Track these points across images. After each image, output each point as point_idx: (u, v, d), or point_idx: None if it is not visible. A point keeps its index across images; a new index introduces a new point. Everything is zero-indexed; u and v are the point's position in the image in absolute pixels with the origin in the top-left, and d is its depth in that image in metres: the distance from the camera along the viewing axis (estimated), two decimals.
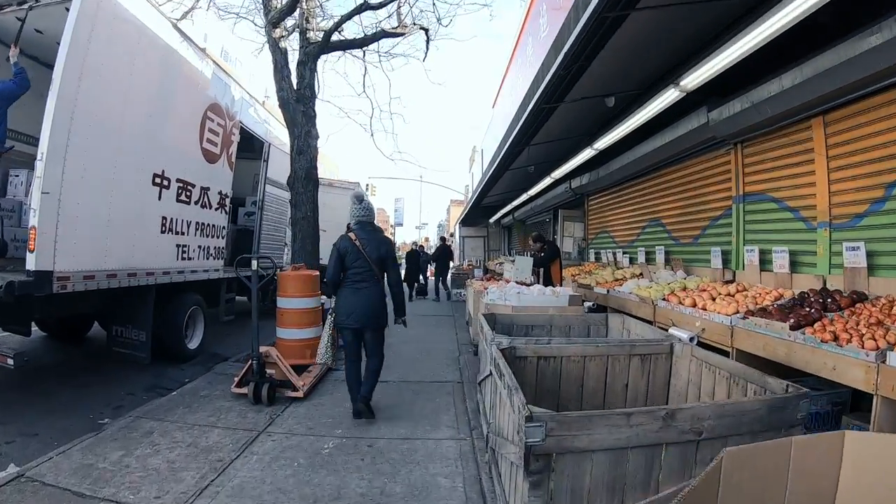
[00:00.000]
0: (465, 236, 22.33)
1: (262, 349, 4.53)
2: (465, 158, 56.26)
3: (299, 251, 6.27)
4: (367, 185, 34.70)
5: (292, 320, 5.39)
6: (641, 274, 6.85)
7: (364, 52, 8.85)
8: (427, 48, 8.38)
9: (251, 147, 8.89)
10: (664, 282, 5.80)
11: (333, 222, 14.11)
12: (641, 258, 7.37)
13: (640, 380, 3.37)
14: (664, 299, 5.08)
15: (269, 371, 4.63)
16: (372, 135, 10.21)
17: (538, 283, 6.48)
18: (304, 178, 6.27)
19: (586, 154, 7.43)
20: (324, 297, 7.26)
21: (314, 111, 6.46)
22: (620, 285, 6.31)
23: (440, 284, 15.51)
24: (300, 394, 4.54)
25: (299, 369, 5.28)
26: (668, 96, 5.23)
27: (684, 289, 5.24)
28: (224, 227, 7.29)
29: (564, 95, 5.46)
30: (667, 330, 4.48)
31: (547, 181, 9.76)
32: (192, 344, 6.78)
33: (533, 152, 8.73)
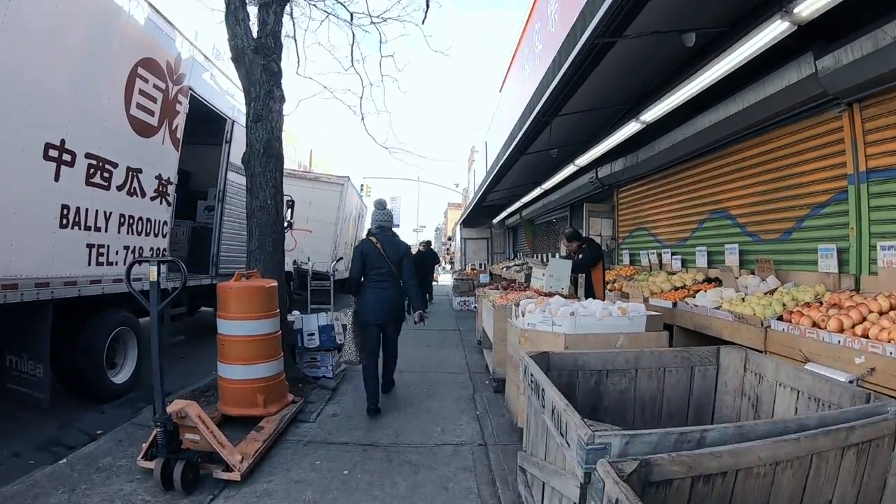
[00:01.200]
0: (467, 238, 20.66)
1: (177, 406, 2.89)
2: (464, 160, 54.63)
3: (256, 252, 4.63)
4: (363, 185, 33.00)
5: (238, 353, 3.73)
6: (710, 280, 5.26)
7: (352, 15, 7.27)
8: (427, 5, 6.78)
9: (217, 129, 7.28)
10: (759, 292, 4.21)
11: (321, 221, 12.40)
12: (701, 260, 5.78)
13: (850, 488, 1.77)
14: (780, 318, 3.48)
15: (189, 437, 2.98)
16: (363, 118, 8.58)
17: (577, 293, 4.86)
18: (263, 154, 4.64)
19: (629, 129, 5.84)
20: (294, 312, 5.66)
21: (279, 66, 4.84)
22: (690, 295, 4.71)
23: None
24: (236, 475, 2.89)
25: (246, 424, 3.65)
26: (771, 31, 3.68)
27: (803, 304, 3.65)
28: (166, 223, 5.64)
29: (625, 28, 3.88)
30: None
31: (569, 169, 8.16)
32: (120, 377, 5.12)
33: (556, 133, 7.16)
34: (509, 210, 16.15)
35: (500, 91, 12.55)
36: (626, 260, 7.79)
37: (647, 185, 7.25)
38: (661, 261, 6.66)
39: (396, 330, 4.57)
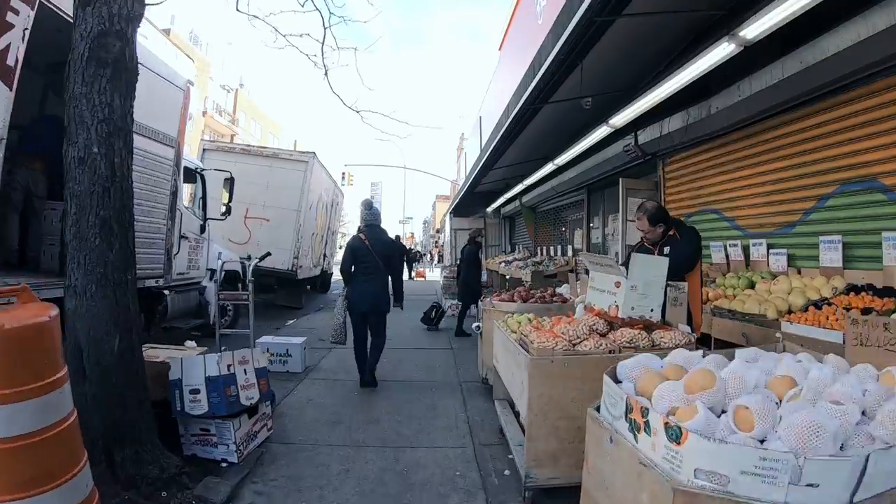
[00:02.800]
0: (458, 229, 18.48)
1: None
2: (453, 148, 52.24)
3: (73, 245, 2.43)
4: (344, 173, 30.76)
5: None
6: (857, 289, 3.22)
7: None
8: None
9: None
10: None
11: (281, 208, 10.09)
12: (831, 256, 3.74)
13: None
14: None
15: None
16: (326, 72, 6.39)
17: (664, 317, 2.80)
18: (89, 59, 2.50)
19: (717, 54, 3.79)
20: (188, 343, 3.54)
21: None
22: (880, 321, 2.67)
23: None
24: None
25: None
26: None
27: None
28: None
29: None
30: None
31: (601, 132, 6.05)
32: None
33: (585, 81, 5.09)
34: (507, 196, 14.04)
35: (501, 49, 10.42)
36: None
37: (719, 150, 5.18)
38: (747, 256, 4.62)
39: (381, 317, 5.00)
